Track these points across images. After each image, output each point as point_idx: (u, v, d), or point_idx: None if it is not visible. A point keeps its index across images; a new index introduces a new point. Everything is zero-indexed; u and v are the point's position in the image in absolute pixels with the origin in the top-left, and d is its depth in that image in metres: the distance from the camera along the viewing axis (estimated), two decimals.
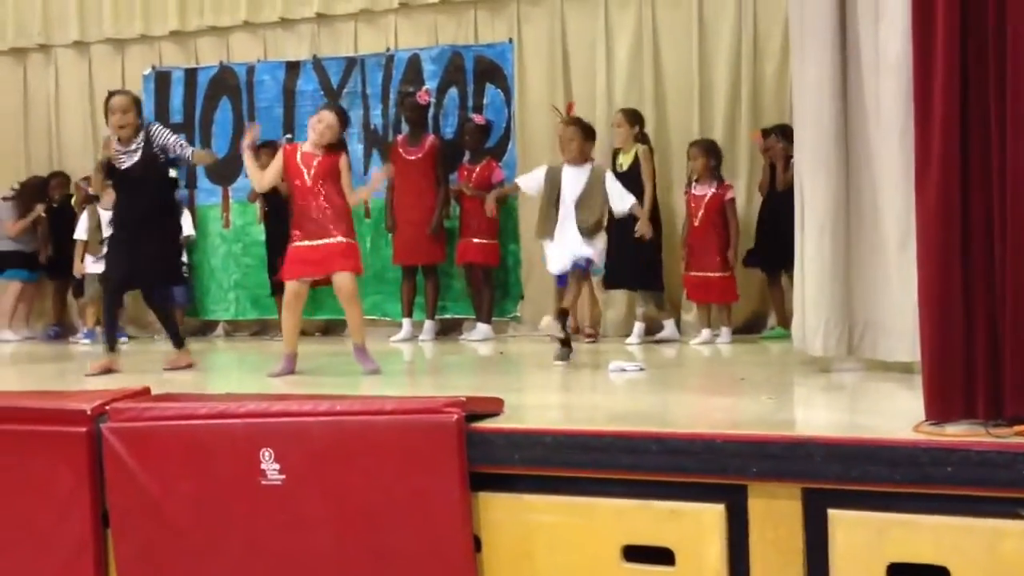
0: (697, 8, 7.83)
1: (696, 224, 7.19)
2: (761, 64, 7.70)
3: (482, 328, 7.91)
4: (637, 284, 7.29)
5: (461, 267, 8.10)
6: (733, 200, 7.26)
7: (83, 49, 9.57)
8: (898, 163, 4.44)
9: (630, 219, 6.40)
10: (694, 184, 7.26)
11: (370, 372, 5.63)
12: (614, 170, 6.99)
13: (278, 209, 7.92)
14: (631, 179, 7.08)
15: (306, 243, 5.69)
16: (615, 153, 7.36)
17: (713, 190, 7.19)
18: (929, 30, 3.28)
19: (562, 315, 6.05)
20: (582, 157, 6.28)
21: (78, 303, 8.97)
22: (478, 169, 7.95)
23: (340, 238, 5.63)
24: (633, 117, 7.38)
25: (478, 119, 8.11)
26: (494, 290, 8.07)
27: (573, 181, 6.22)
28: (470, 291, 8.10)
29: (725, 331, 7.16)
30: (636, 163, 7.20)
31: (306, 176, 5.68)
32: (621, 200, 6.28)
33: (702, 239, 7.16)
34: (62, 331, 9.29)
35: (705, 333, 7.12)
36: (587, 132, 6.42)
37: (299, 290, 5.74)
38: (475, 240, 7.90)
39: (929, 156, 3.28)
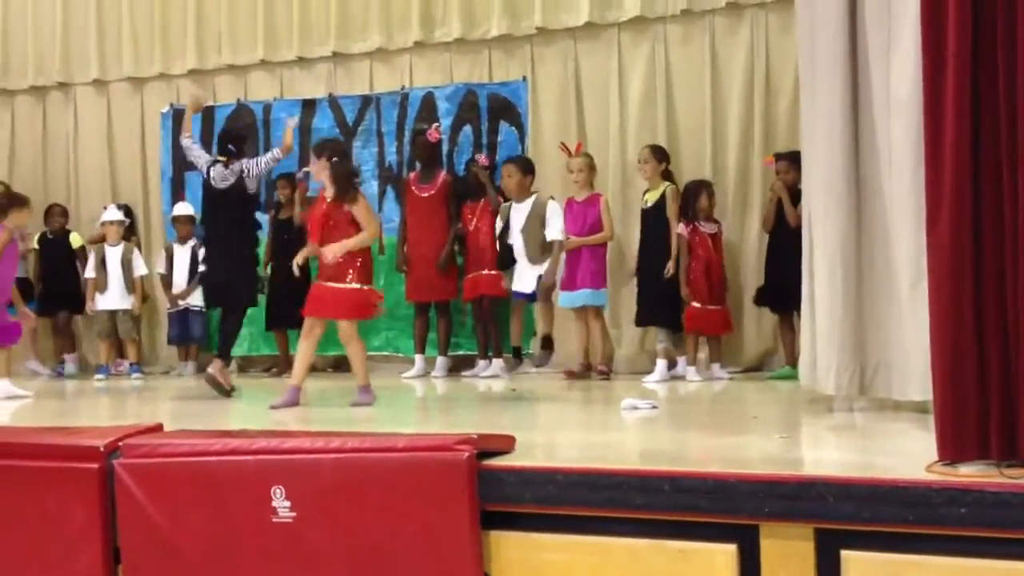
0: (709, 45, 7.87)
1: (713, 258, 7.29)
2: (774, 101, 7.73)
3: (497, 363, 7.84)
4: (662, 322, 7.32)
5: (471, 302, 8.03)
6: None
7: (102, 88, 9.67)
8: (909, 201, 4.42)
9: (655, 259, 6.94)
10: (702, 222, 7.31)
11: (353, 403, 5.79)
12: (642, 207, 7.42)
13: (287, 245, 8.04)
14: (655, 216, 7.30)
15: (317, 281, 5.93)
16: (645, 191, 7.52)
17: (717, 228, 7.40)
18: (940, 66, 3.28)
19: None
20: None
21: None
22: (478, 208, 7.89)
23: (340, 284, 5.79)
24: (660, 154, 7.49)
25: (482, 160, 8.08)
26: (502, 326, 7.99)
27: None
28: (478, 328, 8.02)
29: (716, 367, 7.26)
30: (662, 200, 7.33)
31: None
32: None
33: (710, 274, 7.26)
34: (62, 368, 9.10)
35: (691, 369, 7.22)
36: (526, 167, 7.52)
37: (311, 324, 5.84)
38: (485, 272, 7.84)
39: (940, 194, 3.27)
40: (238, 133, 7.84)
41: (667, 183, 7.39)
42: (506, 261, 7.68)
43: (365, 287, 5.86)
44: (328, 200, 5.87)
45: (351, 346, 5.91)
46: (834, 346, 4.81)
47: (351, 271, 5.78)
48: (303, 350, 5.89)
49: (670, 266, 7.16)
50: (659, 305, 7.28)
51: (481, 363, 7.96)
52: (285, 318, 8.09)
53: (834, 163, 4.81)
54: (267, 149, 8.85)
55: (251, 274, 7.20)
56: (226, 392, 6.64)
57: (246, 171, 6.92)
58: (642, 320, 7.48)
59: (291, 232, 8.28)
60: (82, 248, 9.13)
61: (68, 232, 9.22)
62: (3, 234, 7.16)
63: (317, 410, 6.24)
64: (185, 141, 7.32)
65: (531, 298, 7.57)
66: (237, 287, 6.97)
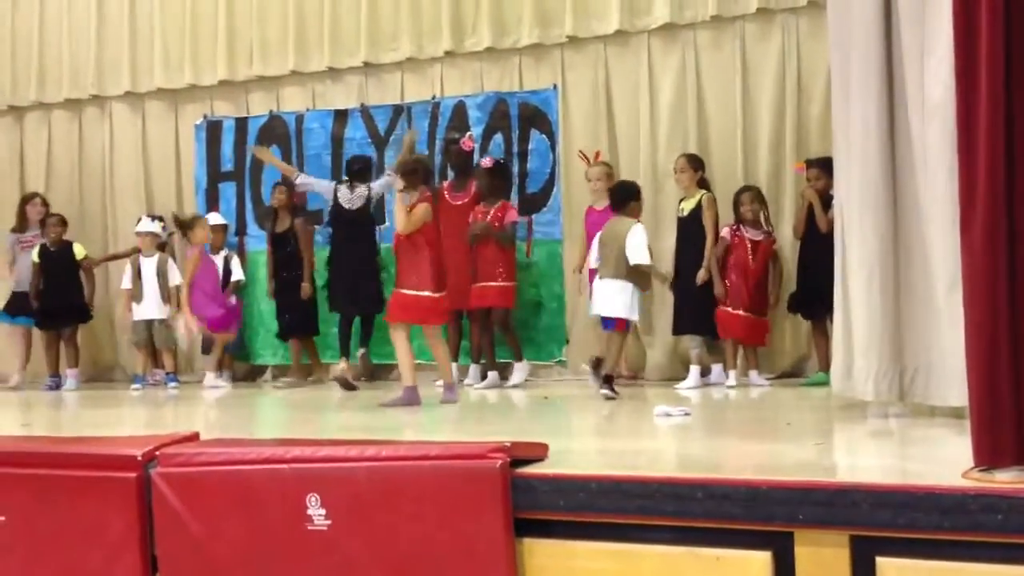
0: (740, 51, 7.86)
1: (751, 266, 7.27)
2: (805, 106, 7.70)
3: (520, 368, 7.80)
4: (700, 330, 7.34)
5: (476, 312, 7.88)
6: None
7: (137, 101, 9.77)
8: (945, 204, 4.39)
9: (693, 268, 7.08)
10: (746, 228, 7.32)
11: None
12: (678, 215, 7.47)
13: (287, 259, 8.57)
14: (691, 224, 7.36)
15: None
16: (681, 200, 7.55)
17: (763, 236, 7.38)
18: (973, 66, 3.26)
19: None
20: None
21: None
22: (492, 211, 7.79)
23: (398, 289, 6.48)
24: (696, 162, 7.51)
25: (485, 162, 8.02)
26: (515, 331, 7.89)
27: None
28: (483, 337, 7.87)
29: (753, 373, 7.25)
30: (698, 209, 7.37)
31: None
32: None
33: (747, 280, 7.25)
34: (57, 383, 9.02)
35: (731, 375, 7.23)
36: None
37: (391, 330, 6.53)
38: (492, 284, 7.69)
39: (974, 195, 3.25)
40: (364, 159, 8.56)
41: (703, 191, 7.42)
42: None
43: (423, 293, 6.33)
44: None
45: (396, 346, 6.43)
46: (872, 351, 4.78)
47: (406, 275, 6.40)
48: (398, 351, 6.45)
49: (701, 273, 7.22)
50: (697, 314, 7.29)
51: (472, 371, 7.93)
52: (293, 329, 8.66)
53: (869, 167, 4.79)
54: (299, 158, 9.00)
55: (377, 283, 8.22)
56: (352, 387, 7.51)
57: (373, 195, 8.24)
58: (680, 328, 7.48)
59: (290, 244, 8.59)
60: (85, 259, 9.13)
61: (69, 243, 9.16)
62: (195, 251, 8.46)
63: (351, 417, 6.28)
64: (298, 179, 8.40)
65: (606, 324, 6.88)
66: (367, 294, 8.15)
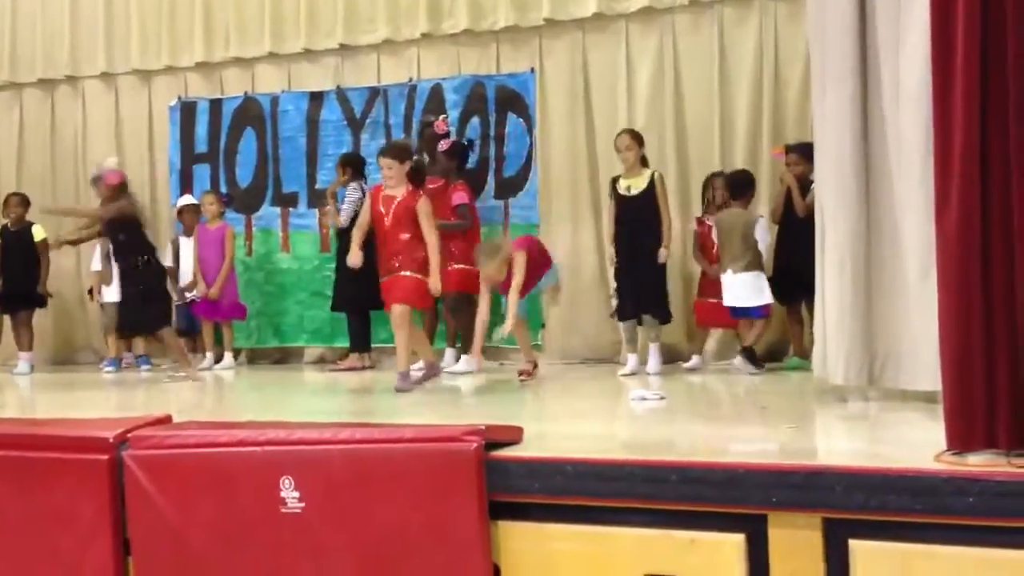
0: (718, 36, 7.85)
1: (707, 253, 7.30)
2: (782, 91, 7.71)
3: (466, 359, 7.43)
4: (655, 313, 7.03)
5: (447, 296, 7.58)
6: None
7: (110, 81, 9.69)
8: (919, 193, 4.42)
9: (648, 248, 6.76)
10: (708, 216, 7.32)
11: (398, 389, 6.06)
12: (620, 194, 7.09)
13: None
14: (642, 203, 7.01)
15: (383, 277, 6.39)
16: (614, 180, 7.21)
17: None
18: (948, 55, 3.27)
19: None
20: None
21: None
22: (435, 189, 7.55)
23: (404, 272, 6.22)
24: (639, 139, 7.15)
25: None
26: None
27: None
28: (453, 320, 7.78)
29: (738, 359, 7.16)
30: (651, 187, 7.02)
31: (385, 220, 6.28)
32: None
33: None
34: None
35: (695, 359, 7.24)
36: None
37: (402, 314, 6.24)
38: (455, 266, 7.45)
39: (948, 184, 3.26)
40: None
41: (650, 169, 7.12)
42: None
43: (420, 277, 6.19)
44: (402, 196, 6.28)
45: (396, 332, 6.28)
46: (844, 336, 4.81)
47: (414, 263, 6.20)
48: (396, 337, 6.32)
49: (663, 252, 6.96)
50: (656, 296, 7.01)
51: (448, 355, 7.80)
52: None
53: (844, 155, 4.82)
54: (275, 140, 8.93)
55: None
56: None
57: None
58: (638, 311, 7.04)
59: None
60: (44, 241, 8.83)
61: (30, 224, 8.89)
62: (229, 236, 8.56)
63: (325, 401, 6.26)
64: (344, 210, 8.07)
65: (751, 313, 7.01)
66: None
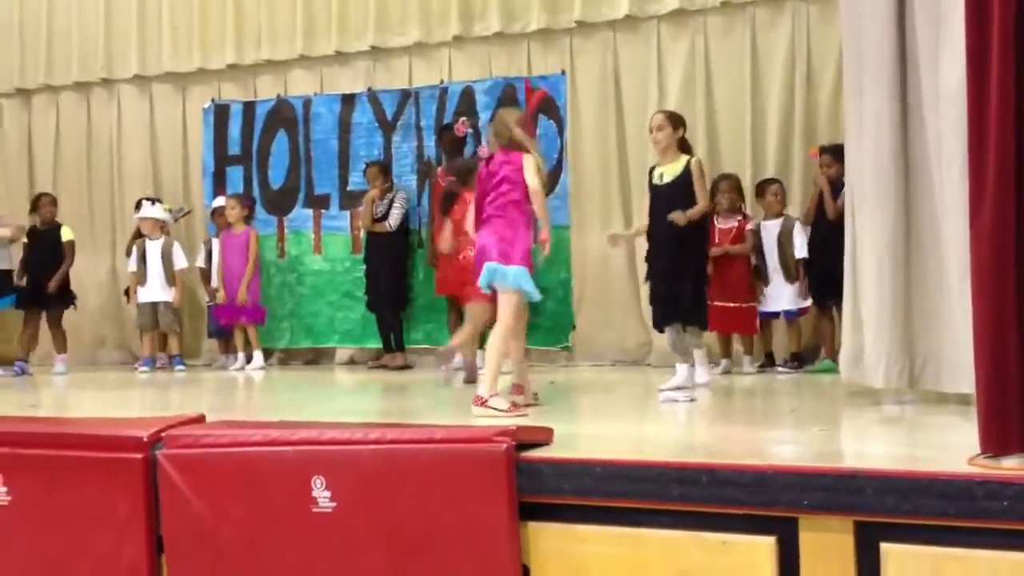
0: (750, 37, 7.83)
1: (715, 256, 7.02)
2: (815, 93, 7.68)
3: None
4: (685, 318, 6.15)
5: (445, 296, 7.82)
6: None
7: (145, 84, 9.79)
8: (959, 194, 4.36)
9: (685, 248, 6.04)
10: (718, 217, 7.26)
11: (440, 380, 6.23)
12: (652, 183, 6.17)
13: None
14: (677, 193, 6.02)
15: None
16: (652, 169, 6.28)
17: (737, 222, 7.36)
18: (984, 56, 3.25)
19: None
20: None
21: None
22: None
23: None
24: (676, 120, 6.20)
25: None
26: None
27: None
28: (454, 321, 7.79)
29: (746, 360, 7.29)
30: (686, 174, 6.03)
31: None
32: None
33: (727, 272, 7.23)
34: (24, 369, 8.65)
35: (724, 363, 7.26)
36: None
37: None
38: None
39: (983, 184, 3.23)
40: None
41: (687, 155, 6.15)
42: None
43: None
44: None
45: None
46: (883, 339, 4.77)
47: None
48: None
49: (679, 215, 5.93)
50: (696, 300, 6.12)
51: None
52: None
53: (882, 156, 4.78)
54: (307, 142, 8.99)
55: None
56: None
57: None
58: (676, 318, 6.11)
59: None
60: (71, 243, 8.83)
61: (59, 224, 8.91)
62: (253, 239, 8.66)
63: (356, 401, 6.28)
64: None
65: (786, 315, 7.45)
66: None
